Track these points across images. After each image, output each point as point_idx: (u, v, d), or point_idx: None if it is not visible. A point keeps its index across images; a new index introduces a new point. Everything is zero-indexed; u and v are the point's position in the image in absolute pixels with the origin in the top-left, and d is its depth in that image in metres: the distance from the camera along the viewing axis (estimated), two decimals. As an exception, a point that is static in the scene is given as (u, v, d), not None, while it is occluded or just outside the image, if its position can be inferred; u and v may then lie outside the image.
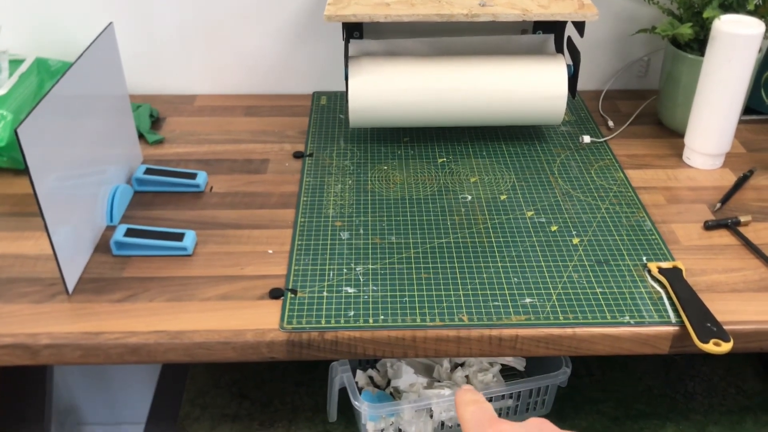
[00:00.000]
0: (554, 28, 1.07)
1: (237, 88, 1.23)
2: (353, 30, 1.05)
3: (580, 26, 0.99)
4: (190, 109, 1.18)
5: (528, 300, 0.78)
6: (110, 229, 0.89)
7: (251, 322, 0.75)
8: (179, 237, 0.85)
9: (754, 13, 0.99)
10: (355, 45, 1.05)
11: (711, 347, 0.70)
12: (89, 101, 0.85)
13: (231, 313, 0.76)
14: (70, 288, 0.78)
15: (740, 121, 1.10)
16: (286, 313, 0.76)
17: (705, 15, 0.95)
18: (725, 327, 0.72)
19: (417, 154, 1.05)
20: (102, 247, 0.86)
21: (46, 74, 1.05)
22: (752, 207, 0.93)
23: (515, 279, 0.81)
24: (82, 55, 0.83)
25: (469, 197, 0.95)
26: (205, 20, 1.16)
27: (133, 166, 0.99)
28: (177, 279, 0.81)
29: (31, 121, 0.71)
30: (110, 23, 0.91)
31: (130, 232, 0.85)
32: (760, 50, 0.99)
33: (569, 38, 1.06)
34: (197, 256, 0.85)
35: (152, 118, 1.13)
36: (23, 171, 0.99)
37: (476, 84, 0.99)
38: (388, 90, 0.99)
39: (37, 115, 0.72)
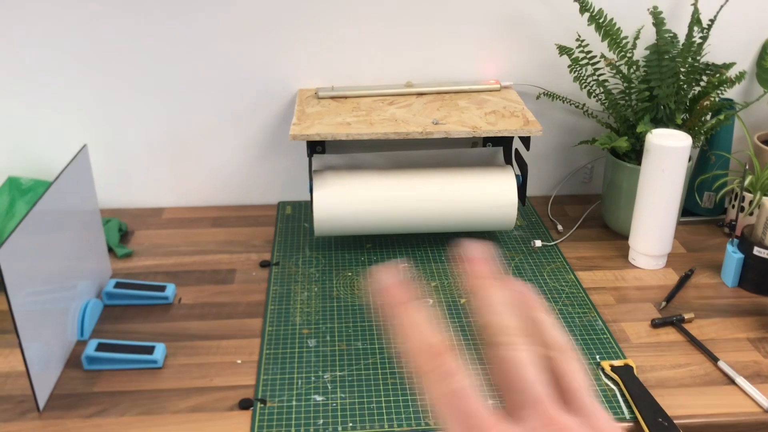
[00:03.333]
0: (503, 141, 1.15)
1: (204, 201, 1.28)
2: (316, 145, 1.12)
3: (525, 140, 1.07)
4: (158, 222, 1.22)
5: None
6: (81, 343, 0.90)
7: (222, 433, 0.76)
8: (149, 350, 0.87)
9: (682, 126, 1.08)
10: (318, 159, 1.11)
11: (664, 442, 0.74)
12: (63, 218, 0.89)
13: (201, 425, 0.78)
14: (41, 404, 0.79)
15: (679, 223, 1.19)
16: (256, 424, 0.78)
17: (638, 130, 1.04)
18: (676, 421, 0.76)
19: (379, 260, 1.09)
20: (73, 362, 0.87)
21: (18, 192, 1.09)
22: (695, 304, 0.99)
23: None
24: (59, 176, 0.87)
25: (431, 301, 0.99)
26: (172, 136, 1.22)
27: (102, 280, 1.01)
28: (147, 392, 0.82)
29: (11, 242, 0.74)
30: (84, 145, 0.96)
31: (100, 347, 0.86)
32: (690, 159, 1.08)
33: (516, 150, 1.15)
34: (167, 369, 0.86)
35: (121, 232, 1.16)
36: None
37: (433, 194, 1.06)
38: (351, 201, 1.05)
39: (16, 237, 0.75)
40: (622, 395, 0.82)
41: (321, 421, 0.78)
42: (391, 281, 0.30)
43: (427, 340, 0.28)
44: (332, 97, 1.15)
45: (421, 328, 0.29)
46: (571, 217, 1.23)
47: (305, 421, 0.78)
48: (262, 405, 0.80)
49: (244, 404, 0.80)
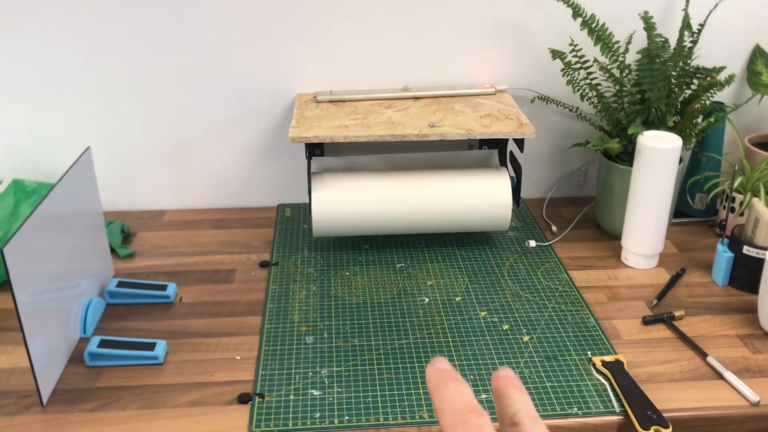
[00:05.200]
0: (497, 144, 1.17)
1: (205, 203, 1.30)
2: (315, 148, 1.14)
3: (520, 142, 1.10)
4: (160, 224, 1.24)
5: (484, 396, 0.83)
6: (83, 340, 0.92)
7: (221, 427, 0.78)
8: (150, 347, 0.89)
9: (673, 129, 1.11)
10: (316, 162, 1.13)
11: (652, 434, 0.76)
12: (67, 219, 0.91)
13: (201, 419, 0.80)
14: (45, 399, 0.81)
15: (671, 224, 1.21)
16: (255, 417, 0.79)
17: (630, 132, 1.06)
18: (664, 414, 0.78)
19: (377, 260, 1.11)
20: (76, 358, 0.89)
21: (22, 194, 1.11)
22: (685, 302, 1.01)
23: (471, 376, 0.86)
24: (62, 177, 0.89)
25: (427, 300, 1.01)
26: (174, 140, 1.25)
27: (105, 279, 1.03)
28: (148, 387, 0.84)
29: (15, 242, 0.76)
30: (88, 147, 0.98)
31: (103, 344, 0.88)
32: (681, 161, 1.10)
33: (511, 152, 1.17)
34: (168, 365, 0.88)
35: (123, 233, 1.19)
36: (-3, 287, 1.02)
37: (429, 196, 1.08)
38: (348, 202, 1.07)
39: (20, 237, 0.77)
40: (613, 390, 0.83)
41: (318, 415, 0.80)
42: (442, 364, 0.33)
43: (467, 400, 0.30)
44: (331, 101, 1.17)
45: (464, 393, 0.31)
46: (566, 218, 1.25)
47: (302, 414, 0.80)
48: (260, 399, 0.82)
49: (243, 398, 0.82)
